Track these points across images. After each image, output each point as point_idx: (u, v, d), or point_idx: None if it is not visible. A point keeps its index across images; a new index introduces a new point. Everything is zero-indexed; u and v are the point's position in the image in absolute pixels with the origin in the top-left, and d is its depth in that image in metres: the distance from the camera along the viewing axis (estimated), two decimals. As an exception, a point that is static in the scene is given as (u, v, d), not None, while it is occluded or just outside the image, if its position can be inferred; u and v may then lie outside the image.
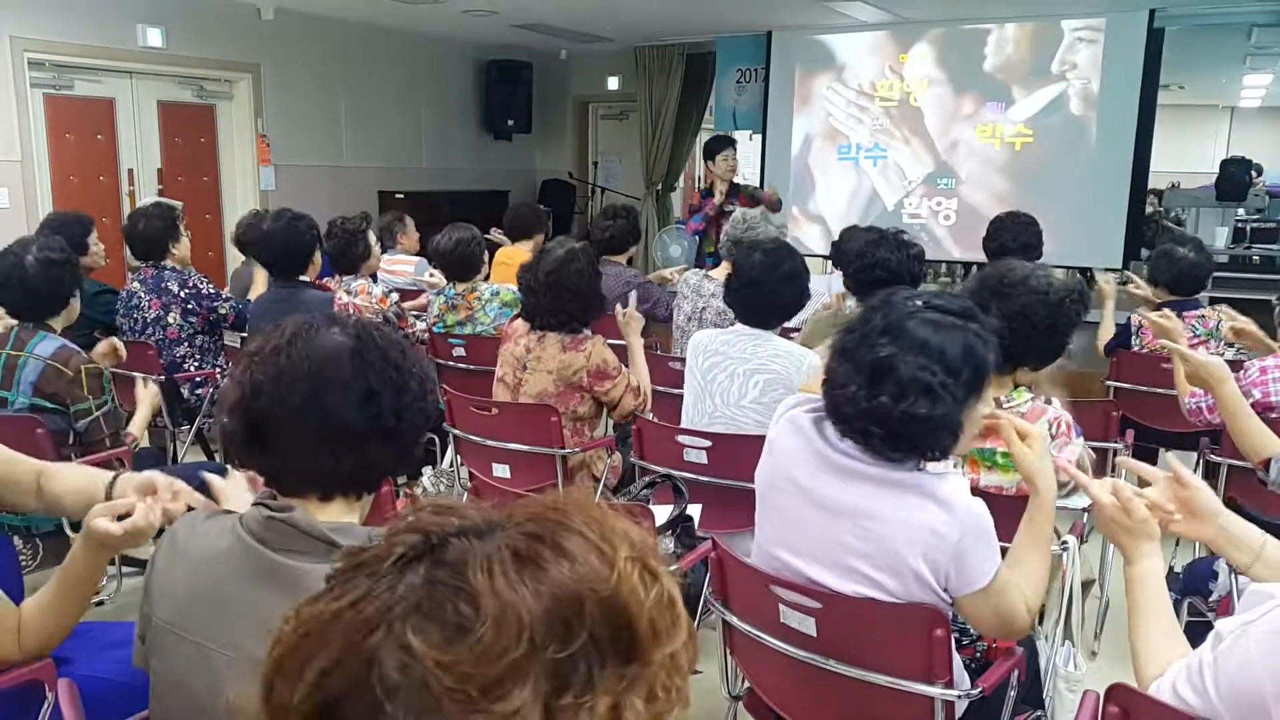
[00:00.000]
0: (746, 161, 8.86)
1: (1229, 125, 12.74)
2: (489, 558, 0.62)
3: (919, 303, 1.57)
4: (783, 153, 7.65)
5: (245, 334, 3.80)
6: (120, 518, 1.31)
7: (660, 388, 3.36)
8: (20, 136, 5.59)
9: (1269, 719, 1.08)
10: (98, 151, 6.15)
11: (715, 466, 2.61)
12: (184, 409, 3.81)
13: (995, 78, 6.89)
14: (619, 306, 3.28)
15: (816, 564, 1.59)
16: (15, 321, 2.75)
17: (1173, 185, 9.16)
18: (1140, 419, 3.46)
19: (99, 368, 2.75)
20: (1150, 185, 7.10)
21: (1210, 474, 2.79)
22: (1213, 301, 3.85)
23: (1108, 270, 6.74)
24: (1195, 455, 2.97)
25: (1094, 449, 2.20)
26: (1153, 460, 2.95)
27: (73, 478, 1.63)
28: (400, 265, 5.10)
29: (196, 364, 3.85)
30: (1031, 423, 1.90)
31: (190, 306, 3.80)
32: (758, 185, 6.60)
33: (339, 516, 1.19)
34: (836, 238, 4.33)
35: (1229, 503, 2.37)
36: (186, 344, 3.83)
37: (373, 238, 4.11)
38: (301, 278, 3.63)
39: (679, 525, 2.29)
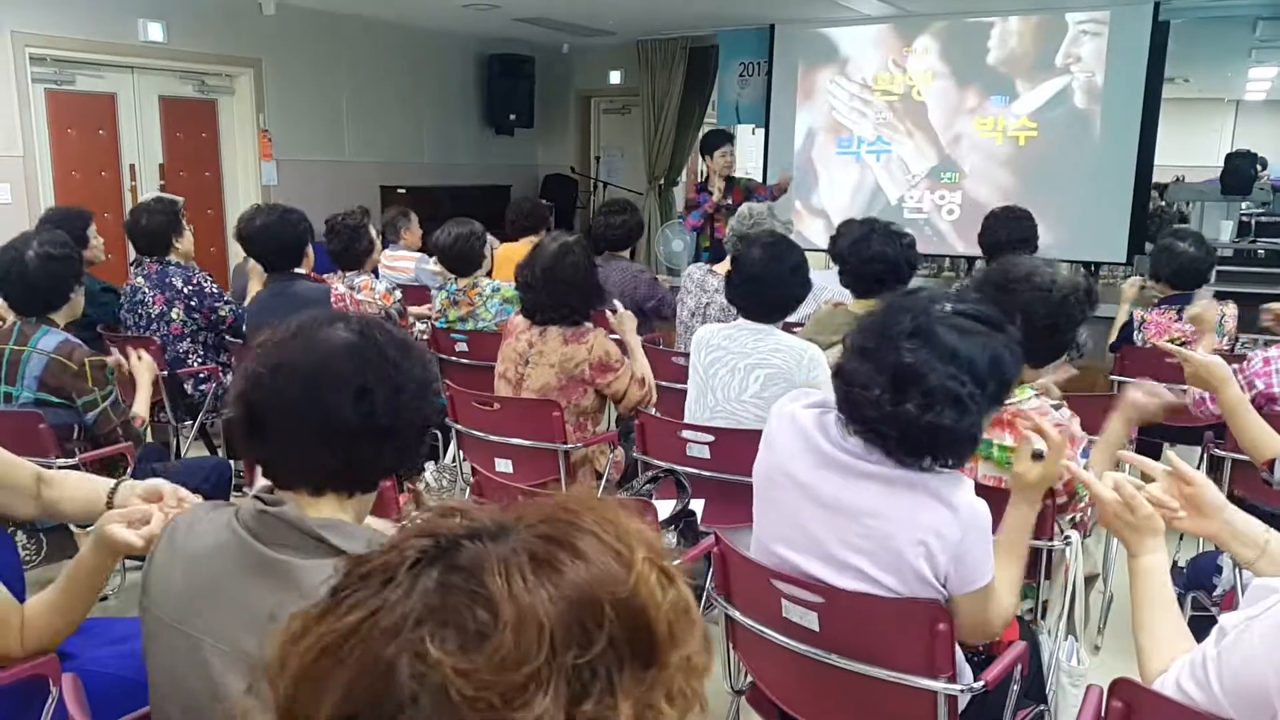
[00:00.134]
0: (749, 156, 8.86)
1: (1234, 119, 12.71)
2: (505, 561, 0.60)
3: (948, 307, 1.52)
4: (785, 147, 7.63)
5: (242, 339, 3.80)
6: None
7: (663, 383, 3.36)
8: (22, 132, 5.60)
9: (1273, 713, 1.08)
10: (99, 147, 6.15)
11: (718, 461, 2.61)
12: (187, 404, 3.82)
13: (999, 71, 6.87)
14: (614, 304, 3.27)
15: (816, 560, 1.59)
16: (19, 316, 2.76)
17: (1177, 179, 9.13)
18: (1144, 413, 3.45)
19: (102, 359, 2.77)
20: (1155, 179, 7.08)
21: (1214, 468, 2.78)
22: (1219, 295, 3.84)
23: (1120, 265, 6.76)
24: (1199, 450, 2.97)
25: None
26: (1156, 455, 2.95)
27: (73, 484, 1.63)
28: (402, 261, 5.10)
29: (200, 359, 3.86)
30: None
31: (193, 304, 3.80)
32: (750, 178, 6.58)
33: (330, 512, 1.18)
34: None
35: (1233, 497, 2.37)
36: (190, 339, 3.83)
37: (373, 231, 4.11)
38: (296, 270, 3.65)
39: (682, 520, 2.29)
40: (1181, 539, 2.80)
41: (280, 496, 1.17)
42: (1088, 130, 6.63)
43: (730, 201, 5.59)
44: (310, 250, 3.70)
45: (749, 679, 1.88)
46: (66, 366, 2.67)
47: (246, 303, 3.85)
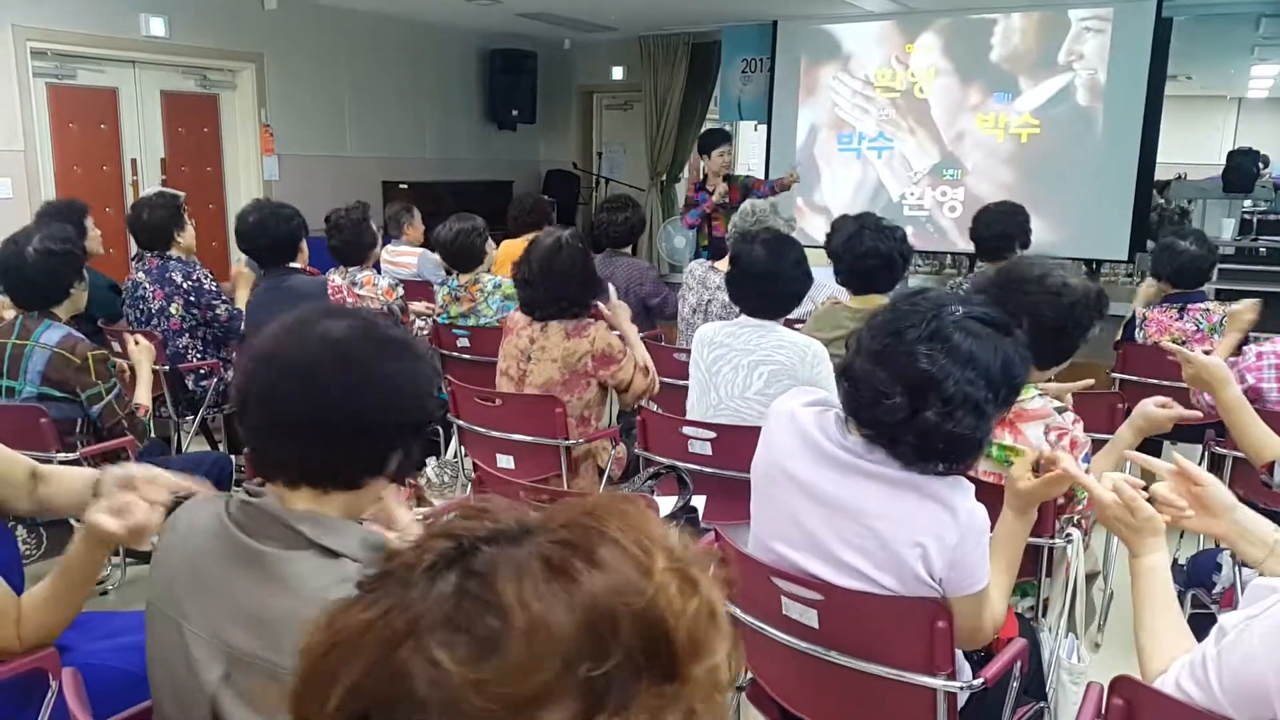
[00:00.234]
0: (751, 152, 8.85)
1: (1236, 116, 12.66)
2: (518, 567, 0.59)
3: (959, 310, 1.50)
4: (788, 144, 7.62)
5: (240, 338, 3.81)
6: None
7: (665, 379, 3.36)
8: (23, 126, 5.59)
9: (1272, 712, 1.08)
10: (101, 141, 6.15)
11: (720, 458, 2.61)
12: (188, 399, 3.82)
13: (1002, 68, 6.85)
14: (605, 300, 3.21)
15: (814, 558, 1.59)
16: (20, 311, 2.76)
17: (1179, 176, 9.10)
18: (1145, 411, 3.44)
19: (104, 353, 2.78)
20: (1157, 177, 7.06)
21: (1215, 466, 2.78)
22: (1219, 295, 3.83)
23: (1122, 263, 6.74)
24: (1200, 448, 2.96)
25: (1100, 440, 2.18)
26: (1157, 453, 2.95)
27: (65, 478, 1.64)
28: (404, 256, 5.09)
29: (199, 355, 3.86)
30: (1032, 422, 1.90)
31: (192, 299, 3.80)
32: (749, 175, 6.57)
33: (306, 505, 1.16)
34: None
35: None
36: (189, 335, 3.83)
37: (374, 225, 4.11)
38: (292, 265, 3.66)
39: (683, 517, 2.29)
40: (1181, 536, 2.81)
41: (261, 489, 1.19)
42: (1090, 127, 6.61)
43: (729, 200, 5.59)
44: (305, 245, 3.72)
45: (749, 675, 1.88)
46: (70, 361, 2.68)
47: (240, 305, 3.88)
